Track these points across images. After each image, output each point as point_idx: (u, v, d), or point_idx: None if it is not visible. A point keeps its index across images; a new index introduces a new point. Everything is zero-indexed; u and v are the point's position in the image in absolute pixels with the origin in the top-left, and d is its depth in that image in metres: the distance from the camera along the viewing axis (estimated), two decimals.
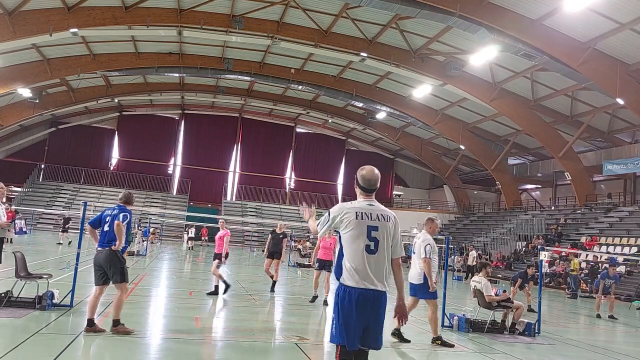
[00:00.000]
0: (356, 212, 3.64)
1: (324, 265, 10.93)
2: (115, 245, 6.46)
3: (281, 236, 12.62)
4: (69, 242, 23.55)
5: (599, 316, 13.76)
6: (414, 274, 7.71)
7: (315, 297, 11.15)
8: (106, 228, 6.59)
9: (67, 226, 24.91)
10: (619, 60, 22.74)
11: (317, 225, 3.85)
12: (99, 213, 6.92)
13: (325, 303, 10.74)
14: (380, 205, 3.75)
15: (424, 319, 8.82)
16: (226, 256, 11.15)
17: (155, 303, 10.02)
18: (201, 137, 47.35)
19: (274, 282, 12.41)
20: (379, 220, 3.66)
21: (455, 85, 29.01)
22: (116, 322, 6.53)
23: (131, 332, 6.57)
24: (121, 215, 6.55)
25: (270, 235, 12.58)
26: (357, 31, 26.21)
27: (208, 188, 46.86)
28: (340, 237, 3.68)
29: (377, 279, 3.56)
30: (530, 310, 13.07)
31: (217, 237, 11.61)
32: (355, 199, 3.83)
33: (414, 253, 7.83)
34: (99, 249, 6.58)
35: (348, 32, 26.70)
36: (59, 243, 23.29)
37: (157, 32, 26.98)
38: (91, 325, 6.44)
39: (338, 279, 3.63)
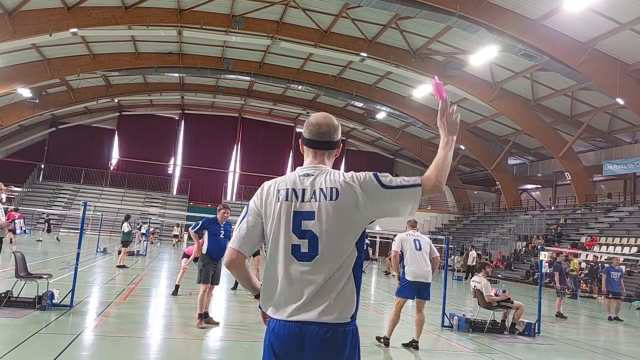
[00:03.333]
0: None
1: None
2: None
3: None
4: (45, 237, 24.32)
5: (610, 318, 13.33)
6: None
7: None
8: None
9: (47, 226, 25.84)
10: (619, 60, 22.73)
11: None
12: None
13: None
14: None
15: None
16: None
17: (155, 303, 10.02)
18: (201, 137, 47.36)
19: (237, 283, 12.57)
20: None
21: (455, 85, 29.00)
22: (202, 315, 7.43)
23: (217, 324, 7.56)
24: (197, 223, 7.81)
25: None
26: (357, 31, 26.20)
27: (208, 188, 46.87)
28: None
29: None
30: (559, 315, 12.74)
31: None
32: None
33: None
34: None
35: (348, 32, 26.70)
36: (39, 240, 23.97)
37: (157, 32, 26.97)
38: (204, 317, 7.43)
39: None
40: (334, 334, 2.05)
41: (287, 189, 2.21)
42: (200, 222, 7.70)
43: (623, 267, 16.90)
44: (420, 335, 7.10)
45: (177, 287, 10.70)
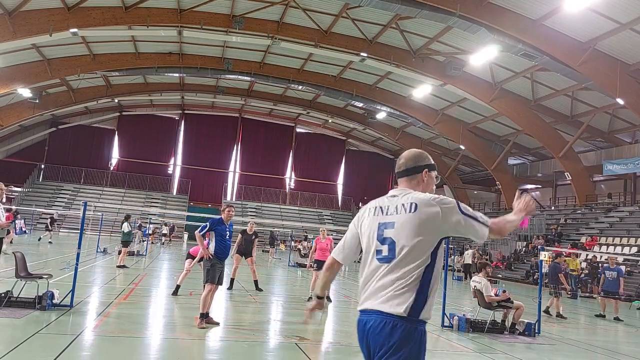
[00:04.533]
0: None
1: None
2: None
3: (253, 237, 12.79)
4: (41, 238, 23.85)
5: (599, 315, 13.67)
6: None
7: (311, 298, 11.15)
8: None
9: (51, 226, 25.10)
10: (619, 60, 22.73)
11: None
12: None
13: (328, 299, 10.91)
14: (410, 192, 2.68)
15: None
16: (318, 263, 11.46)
17: (155, 303, 10.02)
18: (201, 137, 47.38)
19: (256, 281, 12.60)
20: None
21: (455, 85, 29.00)
22: (203, 315, 7.46)
23: (217, 324, 7.59)
24: (203, 226, 7.74)
25: (240, 235, 12.67)
26: (357, 31, 26.20)
27: (208, 188, 46.90)
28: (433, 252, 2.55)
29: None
30: (559, 316, 12.67)
31: (319, 246, 11.67)
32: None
33: None
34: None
35: (348, 32, 26.70)
36: (50, 242, 23.51)
37: (157, 32, 26.98)
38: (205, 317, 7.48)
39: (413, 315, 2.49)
40: (393, 324, 2.44)
41: (376, 207, 2.75)
42: (208, 223, 7.68)
43: (623, 267, 16.89)
44: None
45: (177, 287, 10.72)
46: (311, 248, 12.89)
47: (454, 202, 2.62)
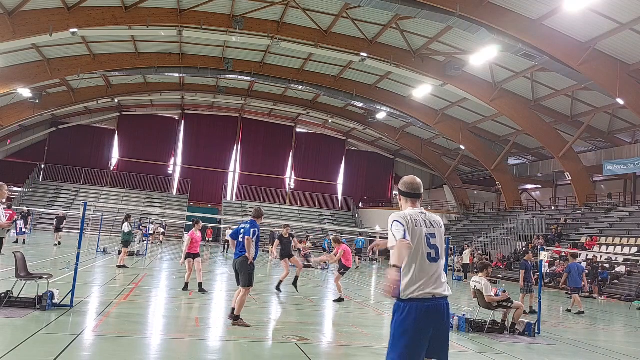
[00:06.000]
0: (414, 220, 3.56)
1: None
2: (245, 254, 7.83)
3: (290, 239, 13.73)
4: (59, 243, 22.31)
5: (569, 310, 14.09)
6: None
7: (340, 299, 11.90)
8: (240, 239, 7.99)
9: (61, 226, 23.40)
10: (619, 60, 22.73)
11: (396, 239, 3.39)
12: (236, 226, 8.36)
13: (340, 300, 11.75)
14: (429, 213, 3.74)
15: None
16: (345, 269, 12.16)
17: (155, 303, 10.02)
18: (201, 137, 47.36)
19: (296, 277, 13.02)
20: (433, 227, 3.63)
21: (455, 85, 29.00)
22: (236, 317, 7.81)
23: (248, 326, 7.70)
24: (251, 231, 7.90)
25: (278, 240, 13.49)
26: (357, 31, 26.21)
27: (208, 188, 46.88)
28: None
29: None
30: (532, 312, 12.88)
31: (340, 252, 12.08)
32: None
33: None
34: (235, 257, 8.02)
35: (348, 32, 26.70)
36: (56, 244, 22.29)
37: (157, 32, 26.99)
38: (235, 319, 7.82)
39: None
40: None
41: (418, 220, 3.61)
42: (257, 229, 8.01)
43: (584, 264, 17.86)
44: None
45: (200, 284, 11.24)
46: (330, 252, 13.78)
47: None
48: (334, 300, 11.79)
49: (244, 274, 7.84)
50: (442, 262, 3.54)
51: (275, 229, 37.98)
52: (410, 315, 3.32)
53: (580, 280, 13.82)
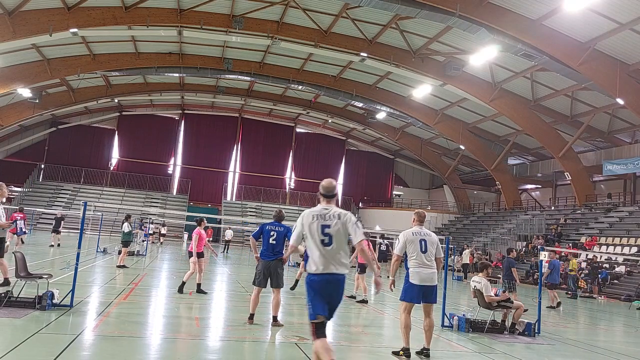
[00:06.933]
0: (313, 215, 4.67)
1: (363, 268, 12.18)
2: (280, 257, 7.94)
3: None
4: (58, 245, 21.35)
5: (552, 307, 14.50)
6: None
7: (364, 300, 12.09)
8: (272, 241, 8.00)
9: (59, 228, 22.11)
10: (619, 60, 22.74)
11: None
12: (259, 227, 8.32)
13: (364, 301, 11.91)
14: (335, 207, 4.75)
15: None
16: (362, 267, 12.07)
17: (155, 303, 10.02)
18: (201, 137, 47.36)
19: (297, 281, 13.48)
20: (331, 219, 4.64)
21: (455, 85, 29.01)
22: (275, 318, 8.05)
23: (282, 326, 8.03)
24: (289, 234, 7.87)
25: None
26: (357, 31, 26.21)
27: (208, 188, 46.88)
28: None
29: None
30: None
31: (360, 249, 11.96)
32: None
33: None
34: (265, 259, 7.99)
35: (348, 32, 26.70)
36: (51, 245, 21.29)
37: (157, 32, 26.99)
38: (252, 319, 8.01)
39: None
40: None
41: (317, 214, 4.70)
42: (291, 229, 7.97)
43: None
44: (430, 342, 6.72)
45: (198, 285, 11.20)
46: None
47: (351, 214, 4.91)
48: (358, 301, 11.90)
49: (280, 276, 7.99)
50: (337, 246, 4.54)
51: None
52: (313, 283, 4.59)
53: (558, 277, 14.95)
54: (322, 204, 4.76)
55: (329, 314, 4.60)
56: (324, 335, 4.50)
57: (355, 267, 12.90)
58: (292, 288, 13.02)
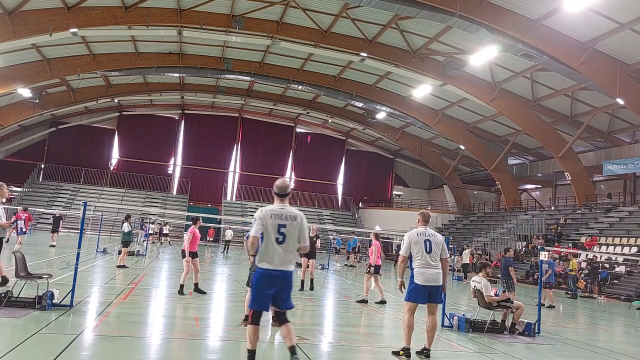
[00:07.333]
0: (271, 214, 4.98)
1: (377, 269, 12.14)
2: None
3: (314, 239, 13.79)
4: (54, 245, 20.97)
5: (549, 306, 14.59)
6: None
7: (363, 300, 11.93)
8: None
9: (58, 228, 22.06)
10: (619, 60, 22.74)
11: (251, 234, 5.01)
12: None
13: (382, 302, 11.79)
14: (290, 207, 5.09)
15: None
16: (376, 268, 12.05)
17: (155, 303, 10.02)
18: (201, 137, 47.35)
19: (312, 280, 13.35)
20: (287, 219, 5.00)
21: (455, 85, 29.01)
22: (274, 318, 8.06)
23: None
24: None
25: None
26: (357, 31, 26.21)
27: (208, 188, 46.87)
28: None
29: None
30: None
31: (374, 249, 12.12)
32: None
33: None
34: None
35: (348, 32, 26.70)
36: (52, 245, 20.98)
37: (157, 32, 26.98)
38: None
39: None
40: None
41: (275, 213, 5.02)
42: None
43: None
44: (432, 343, 6.69)
45: (196, 284, 11.18)
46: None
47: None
48: (377, 302, 11.76)
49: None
50: (288, 245, 4.93)
51: None
52: (261, 277, 4.92)
53: (553, 277, 15.42)
54: (278, 203, 5.09)
55: (281, 304, 5.01)
56: (257, 324, 5.09)
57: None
58: (300, 289, 12.89)
